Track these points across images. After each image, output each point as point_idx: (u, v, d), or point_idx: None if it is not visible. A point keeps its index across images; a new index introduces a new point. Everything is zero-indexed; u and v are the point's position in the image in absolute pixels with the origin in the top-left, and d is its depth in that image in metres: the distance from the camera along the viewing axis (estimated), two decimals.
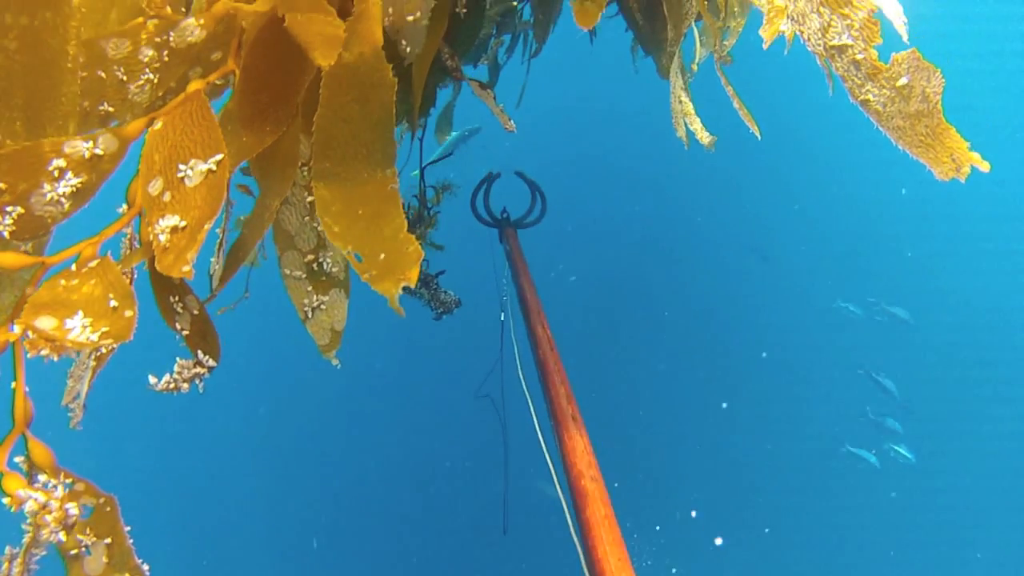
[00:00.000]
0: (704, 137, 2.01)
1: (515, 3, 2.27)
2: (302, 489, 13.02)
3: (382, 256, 1.10)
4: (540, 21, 2.31)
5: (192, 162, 1.13)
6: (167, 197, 1.13)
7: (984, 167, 1.26)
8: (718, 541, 12.16)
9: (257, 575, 12.48)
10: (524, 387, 1.92)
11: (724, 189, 15.93)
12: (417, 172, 2.45)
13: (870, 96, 1.43)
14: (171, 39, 1.35)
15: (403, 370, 13.33)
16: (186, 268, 1.06)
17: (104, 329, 1.06)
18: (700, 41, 2.08)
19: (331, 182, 1.17)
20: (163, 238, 1.10)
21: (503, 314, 2.68)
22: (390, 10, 1.30)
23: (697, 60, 2.05)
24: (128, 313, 1.09)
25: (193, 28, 1.36)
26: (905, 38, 1.79)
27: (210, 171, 1.11)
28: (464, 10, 1.53)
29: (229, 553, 12.65)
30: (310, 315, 1.40)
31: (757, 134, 1.81)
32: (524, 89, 3.03)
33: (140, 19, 1.53)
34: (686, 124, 2.02)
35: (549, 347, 1.87)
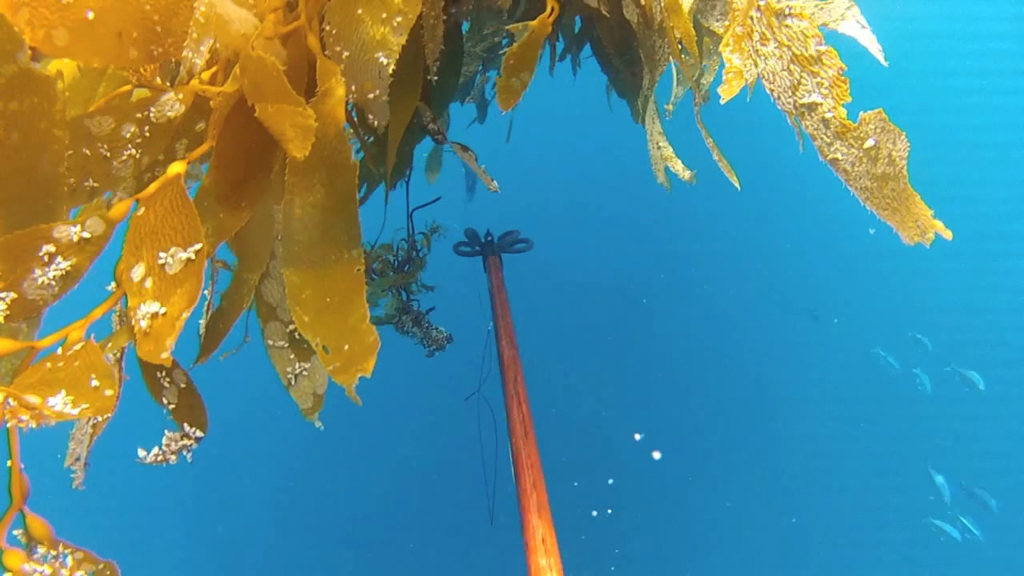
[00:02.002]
0: (684, 173, 2.03)
1: (497, 39, 2.30)
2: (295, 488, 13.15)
3: (346, 347, 1.15)
4: None
5: (172, 250, 1.18)
6: (149, 284, 1.18)
7: (947, 235, 1.28)
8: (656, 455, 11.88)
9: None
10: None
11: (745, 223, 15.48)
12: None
13: (839, 155, 1.45)
14: (151, 114, 1.40)
15: (394, 381, 13.17)
16: (164, 355, 1.11)
17: (84, 406, 1.12)
18: (677, 80, 2.09)
19: (301, 266, 1.22)
20: (144, 324, 1.16)
21: (491, 324, 2.68)
22: (353, 87, 1.34)
23: (673, 100, 2.07)
24: (108, 392, 1.15)
25: (173, 103, 1.41)
26: (884, 62, 1.80)
27: (189, 260, 1.17)
28: (436, 77, 1.56)
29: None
30: (293, 382, 1.45)
31: (736, 185, 1.83)
32: (511, 126, 3.05)
33: (126, 87, 1.59)
34: (667, 168, 2.04)
35: (521, 424, 1.79)
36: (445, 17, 1.68)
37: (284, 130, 1.16)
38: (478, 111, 3.08)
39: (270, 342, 1.40)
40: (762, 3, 1.64)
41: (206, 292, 1.50)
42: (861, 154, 1.41)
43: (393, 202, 2.14)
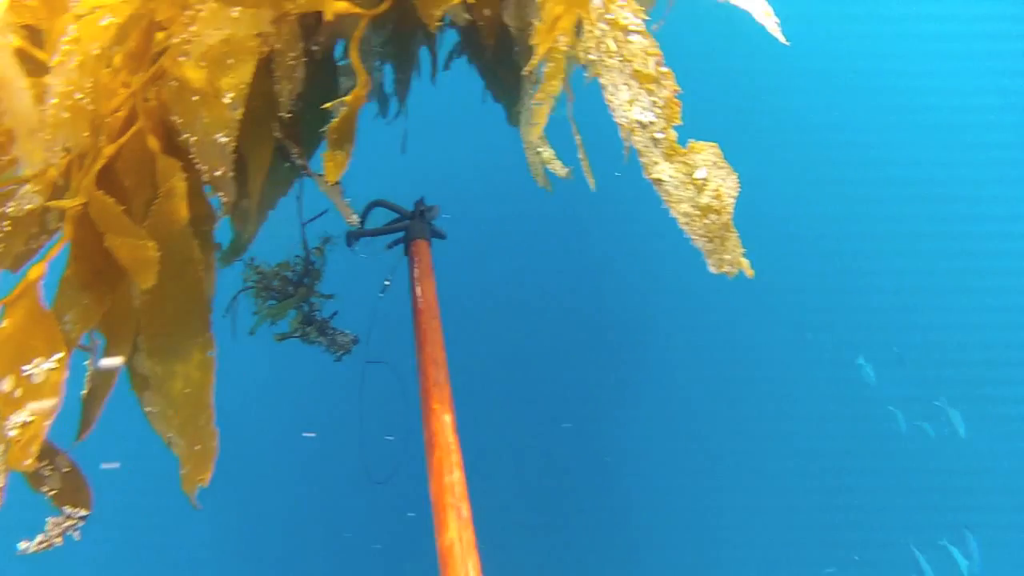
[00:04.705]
0: (561, 172, 2.06)
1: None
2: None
3: (197, 448, 1.26)
4: (401, 80, 2.33)
5: (36, 361, 1.26)
6: (18, 394, 1.26)
7: (749, 274, 1.37)
8: None
9: None
10: None
11: None
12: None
13: (664, 176, 1.50)
14: (9, 210, 1.43)
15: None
16: (28, 462, 1.22)
17: None
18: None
19: (161, 357, 1.30)
20: (13, 433, 1.25)
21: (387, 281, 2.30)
22: (205, 167, 1.38)
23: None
24: None
25: (31, 196, 1.43)
26: (783, 39, 1.82)
27: (51, 369, 1.25)
28: (289, 114, 1.59)
29: None
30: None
31: (592, 186, 1.89)
32: (405, 138, 2.98)
33: None
34: (546, 170, 2.07)
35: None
36: (305, 58, 1.68)
37: (129, 263, 1.22)
38: (379, 106, 2.98)
39: (148, 409, 1.49)
40: (609, 16, 1.68)
41: (86, 364, 1.57)
42: (687, 180, 1.47)
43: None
